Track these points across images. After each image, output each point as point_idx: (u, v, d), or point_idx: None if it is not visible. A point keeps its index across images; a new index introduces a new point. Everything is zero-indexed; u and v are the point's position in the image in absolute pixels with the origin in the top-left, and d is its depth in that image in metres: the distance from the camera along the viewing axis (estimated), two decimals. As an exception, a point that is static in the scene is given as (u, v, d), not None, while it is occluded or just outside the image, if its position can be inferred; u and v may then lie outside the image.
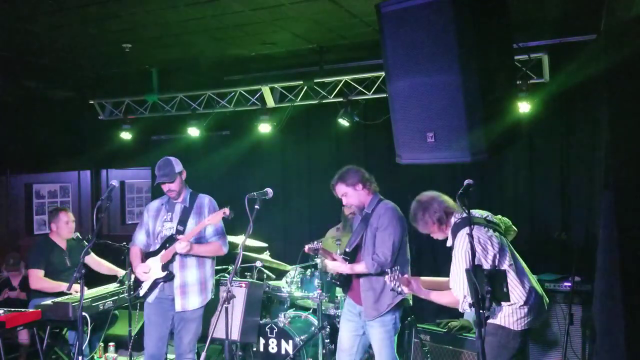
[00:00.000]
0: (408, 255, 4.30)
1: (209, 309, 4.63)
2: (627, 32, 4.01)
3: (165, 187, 4.50)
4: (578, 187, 5.86)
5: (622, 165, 4.24)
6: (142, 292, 4.53)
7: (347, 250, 4.29)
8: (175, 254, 4.40)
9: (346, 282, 4.35)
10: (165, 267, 4.44)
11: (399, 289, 3.69)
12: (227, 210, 4.28)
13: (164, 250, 4.44)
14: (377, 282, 4.13)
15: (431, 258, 6.10)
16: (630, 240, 4.08)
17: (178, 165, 4.53)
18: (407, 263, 4.29)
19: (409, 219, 3.87)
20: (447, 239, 3.76)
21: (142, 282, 4.52)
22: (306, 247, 4.34)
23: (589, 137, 5.71)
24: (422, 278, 3.90)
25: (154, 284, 4.48)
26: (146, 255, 4.58)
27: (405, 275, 3.77)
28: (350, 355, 4.34)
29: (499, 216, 3.98)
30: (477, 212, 3.79)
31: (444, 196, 3.79)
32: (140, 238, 4.66)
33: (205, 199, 4.63)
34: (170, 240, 4.45)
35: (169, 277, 4.43)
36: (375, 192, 4.31)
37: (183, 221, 4.49)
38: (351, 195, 4.26)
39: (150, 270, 4.48)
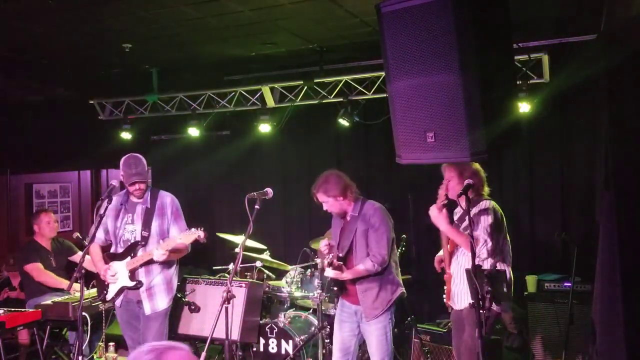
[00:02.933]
0: (396, 249, 4.37)
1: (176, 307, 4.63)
2: (627, 32, 4.01)
3: (135, 186, 4.38)
4: (578, 187, 5.86)
5: (622, 165, 4.24)
6: (109, 297, 4.47)
7: (340, 255, 4.27)
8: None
9: (341, 285, 4.36)
10: (132, 275, 4.37)
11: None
12: (201, 235, 4.19)
13: (129, 258, 4.37)
14: (374, 282, 4.15)
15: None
16: (630, 240, 4.08)
17: (146, 164, 4.43)
18: (396, 256, 4.35)
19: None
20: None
21: (108, 284, 4.46)
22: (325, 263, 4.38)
23: (589, 137, 5.71)
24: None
25: (121, 290, 4.43)
26: (110, 257, 4.49)
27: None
28: (348, 354, 4.33)
29: None
30: None
31: None
32: (98, 236, 4.54)
33: (167, 199, 4.51)
34: (134, 248, 4.37)
35: (138, 287, 4.37)
36: (357, 198, 4.29)
37: (147, 225, 4.39)
38: (332, 204, 4.25)
39: (116, 275, 4.40)
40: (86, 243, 5.74)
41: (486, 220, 3.93)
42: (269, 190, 4.08)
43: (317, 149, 7.20)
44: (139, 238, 4.39)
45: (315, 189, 4.27)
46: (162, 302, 4.43)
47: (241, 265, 5.47)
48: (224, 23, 5.08)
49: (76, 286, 4.52)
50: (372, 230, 4.13)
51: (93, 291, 5.34)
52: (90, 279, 5.06)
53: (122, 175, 4.40)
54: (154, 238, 4.39)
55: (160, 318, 4.43)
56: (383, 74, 5.49)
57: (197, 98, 6.90)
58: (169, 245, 4.24)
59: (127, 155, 4.43)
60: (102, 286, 4.51)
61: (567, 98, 5.68)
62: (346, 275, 4.19)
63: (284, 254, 6.28)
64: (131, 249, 4.40)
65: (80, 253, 5.74)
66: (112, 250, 4.52)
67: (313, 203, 4.41)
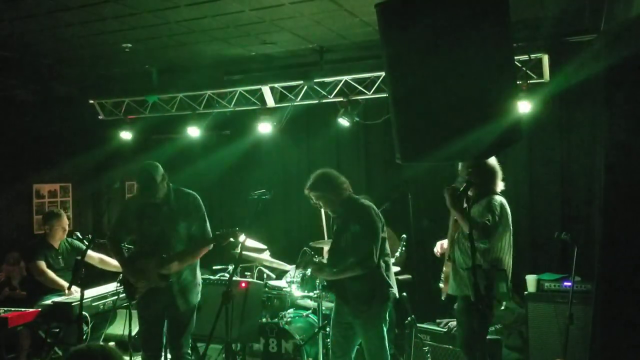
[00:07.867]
0: (387, 250, 4.32)
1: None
2: (627, 32, 4.01)
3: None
4: (578, 187, 5.86)
5: (622, 165, 4.24)
6: (137, 296, 4.42)
7: (330, 253, 4.29)
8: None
9: (333, 285, 4.36)
10: (164, 276, 4.32)
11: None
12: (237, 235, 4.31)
13: (159, 259, 4.31)
14: (363, 282, 4.14)
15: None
16: (629, 240, 4.08)
17: (159, 175, 4.29)
18: (388, 257, 4.32)
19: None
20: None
21: (132, 283, 4.42)
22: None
23: (589, 137, 5.71)
24: None
25: (150, 289, 4.39)
26: (134, 257, 4.44)
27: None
28: (345, 354, 4.34)
29: None
30: None
31: None
32: (122, 235, 4.52)
33: (189, 198, 4.47)
34: (163, 249, 4.31)
35: (169, 286, 4.35)
36: (349, 197, 4.27)
37: (173, 227, 4.36)
38: (323, 202, 4.29)
39: (145, 276, 4.36)
40: (85, 243, 5.77)
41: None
42: (269, 190, 4.08)
43: (317, 149, 7.20)
44: (167, 239, 4.34)
45: (306, 187, 4.30)
46: (195, 297, 4.46)
47: (241, 265, 5.48)
48: (224, 23, 5.09)
49: (76, 287, 4.52)
50: (360, 230, 4.12)
51: (93, 291, 5.34)
52: (91, 279, 5.05)
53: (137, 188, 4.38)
54: (182, 238, 4.38)
55: (193, 312, 4.47)
56: (383, 73, 5.51)
57: (197, 98, 6.90)
58: (197, 256, 4.40)
59: (142, 171, 4.28)
60: (130, 285, 4.44)
61: (567, 98, 5.68)
62: (331, 274, 4.19)
63: (284, 254, 6.27)
64: (160, 250, 4.32)
65: (90, 252, 5.65)
66: (136, 250, 4.48)
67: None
